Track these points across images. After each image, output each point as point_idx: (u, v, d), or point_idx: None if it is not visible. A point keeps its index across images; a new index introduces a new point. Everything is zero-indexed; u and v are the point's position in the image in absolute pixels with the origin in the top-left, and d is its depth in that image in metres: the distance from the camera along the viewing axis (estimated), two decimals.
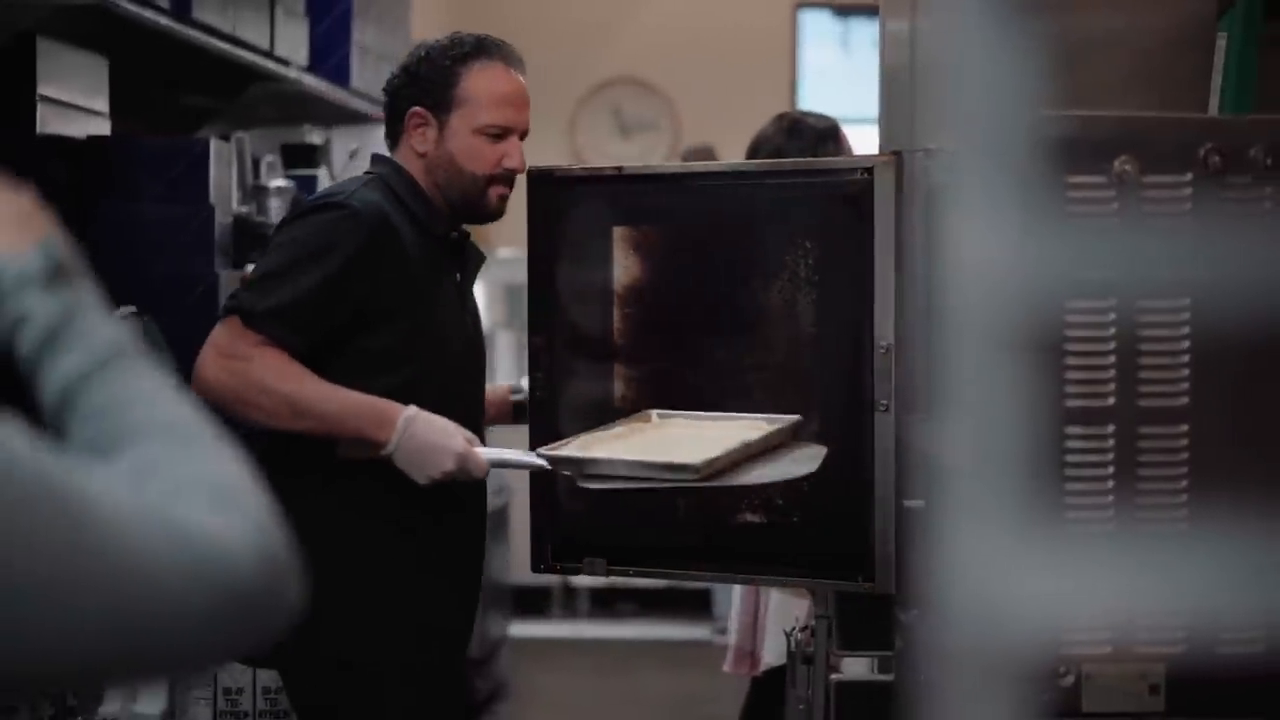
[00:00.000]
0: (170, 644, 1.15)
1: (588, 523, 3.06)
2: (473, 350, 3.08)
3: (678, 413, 2.93)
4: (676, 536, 2.99)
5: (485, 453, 2.86)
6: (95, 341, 1.25)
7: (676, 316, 3.00)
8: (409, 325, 2.91)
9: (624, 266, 3.01)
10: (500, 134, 2.98)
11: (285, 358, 2.83)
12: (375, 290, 2.88)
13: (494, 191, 3.00)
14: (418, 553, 2.94)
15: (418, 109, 3.00)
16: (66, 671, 1.17)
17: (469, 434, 2.85)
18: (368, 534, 2.91)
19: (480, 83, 2.98)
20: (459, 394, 2.98)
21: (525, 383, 3.11)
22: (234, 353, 2.82)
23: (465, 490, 2.95)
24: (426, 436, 2.81)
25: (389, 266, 2.89)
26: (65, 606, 1.11)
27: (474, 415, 3.03)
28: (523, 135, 3.02)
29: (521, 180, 3.04)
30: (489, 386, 3.20)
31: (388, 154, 3.07)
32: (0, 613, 1.09)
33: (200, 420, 1.24)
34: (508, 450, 2.93)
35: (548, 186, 3.03)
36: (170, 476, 1.19)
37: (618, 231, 3.02)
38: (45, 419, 1.24)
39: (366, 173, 3.05)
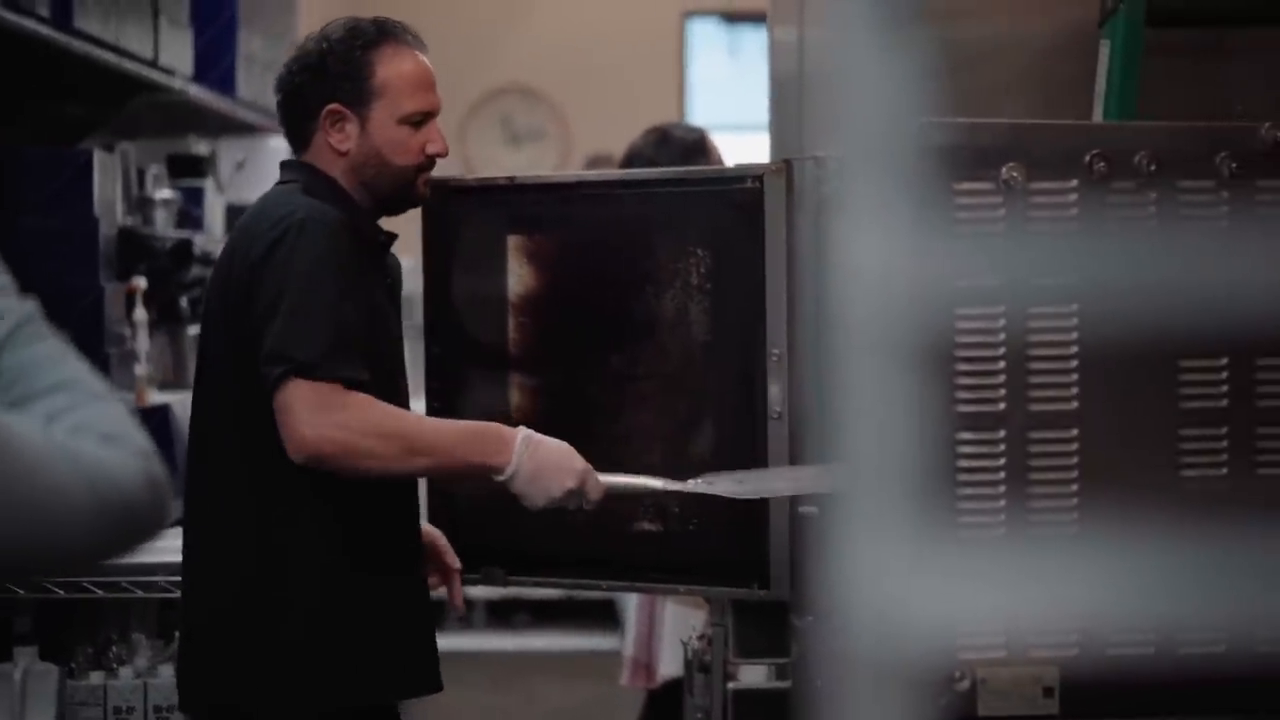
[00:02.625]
0: (71, 544, 1.54)
1: (483, 532, 3.04)
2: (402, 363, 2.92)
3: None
4: (573, 545, 2.99)
5: (602, 477, 2.71)
6: (8, 320, 1.61)
7: (571, 325, 2.99)
8: (375, 338, 2.76)
9: (518, 276, 3.00)
10: (421, 120, 2.82)
11: (373, 399, 2.65)
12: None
13: (421, 179, 2.85)
14: (391, 597, 2.80)
15: (334, 105, 2.79)
16: None
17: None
18: (342, 579, 2.75)
19: (395, 69, 2.81)
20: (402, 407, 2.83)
21: None
22: (324, 408, 2.61)
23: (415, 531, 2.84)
24: (547, 456, 2.67)
25: (359, 272, 2.76)
26: None
27: None
28: (437, 113, 2.87)
29: None
30: None
31: (293, 159, 2.88)
32: None
33: (93, 376, 1.62)
34: (623, 475, 2.76)
35: (442, 197, 3.00)
36: (71, 420, 1.56)
37: (512, 241, 3.01)
38: None
39: (280, 182, 2.86)
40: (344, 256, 2.71)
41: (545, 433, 2.74)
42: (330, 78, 2.80)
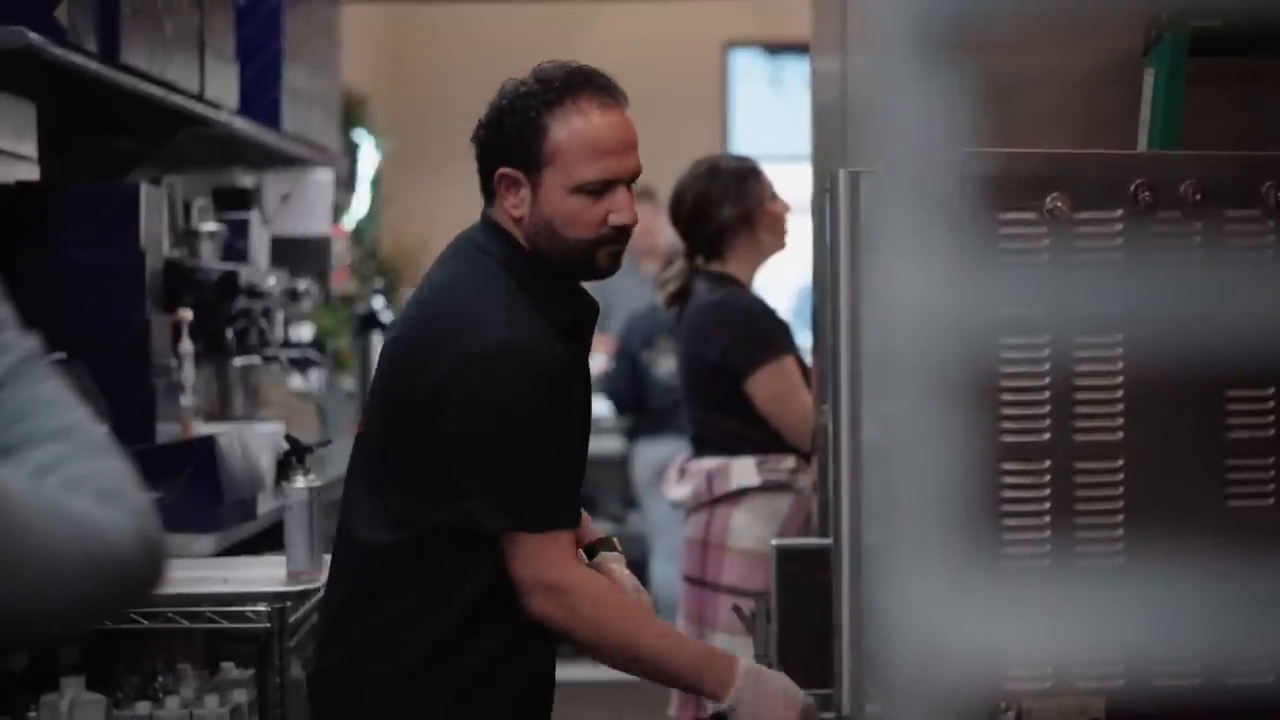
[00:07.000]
0: (60, 607, 1.43)
1: None
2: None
3: None
4: None
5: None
6: (10, 356, 1.49)
7: None
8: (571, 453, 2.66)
9: None
10: (601, 189, 2.58)
11: (605, 584, 2.59)
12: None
13: (603, 253, 2.61)
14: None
15: (505, 170, 2.60)
16: None
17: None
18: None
19: (570, 132, 2.58)
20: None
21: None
22: (553, 583, 2.54)
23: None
24: (767, 688, 2.56)
25: (567, 410, 2.62)
26: None
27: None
28: (633, 178, 2.62)
29: None
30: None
31: (488, 217, 2.67)
32: None
33: (94, 424, 1.50)
34: None
35: None
36: (65, 473, 1.45)
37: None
38: None
39: (464, 238, 2.68)
40: (545, 385, 2.56)
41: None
42: (505, 138, 2.61)
